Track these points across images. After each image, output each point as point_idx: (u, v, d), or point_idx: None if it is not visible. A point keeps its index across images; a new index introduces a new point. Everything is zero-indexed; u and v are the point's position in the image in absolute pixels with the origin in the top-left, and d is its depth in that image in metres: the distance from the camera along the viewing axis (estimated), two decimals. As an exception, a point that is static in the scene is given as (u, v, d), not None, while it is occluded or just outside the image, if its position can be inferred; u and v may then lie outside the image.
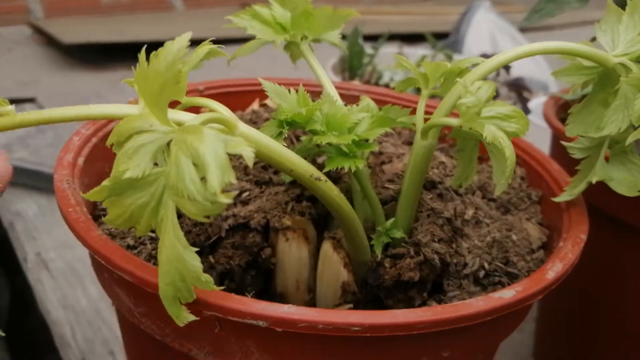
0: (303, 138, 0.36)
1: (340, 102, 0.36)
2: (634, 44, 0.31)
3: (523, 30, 1.27)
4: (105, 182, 0.23)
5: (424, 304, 0.33)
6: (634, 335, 0.49)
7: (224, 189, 0.21)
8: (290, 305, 0.24)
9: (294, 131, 0.42)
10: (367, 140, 0.33)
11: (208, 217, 0.22)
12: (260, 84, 0.52)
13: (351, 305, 0.33)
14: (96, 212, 0.37)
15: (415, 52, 0.85)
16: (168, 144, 0.23)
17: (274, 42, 0.35)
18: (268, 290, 0.37)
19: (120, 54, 1.30)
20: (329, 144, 0.31)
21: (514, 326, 0.31)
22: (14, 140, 0.90)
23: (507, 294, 0.26)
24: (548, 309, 0.60)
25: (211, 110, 0.26)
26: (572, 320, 0.56)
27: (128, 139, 0.23)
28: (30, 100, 1.11)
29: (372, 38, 1.18)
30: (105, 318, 0.64)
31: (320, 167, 0.38)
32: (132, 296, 0.28)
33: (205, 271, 0.34)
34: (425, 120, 0.33)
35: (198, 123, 0.23)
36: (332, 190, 0.29)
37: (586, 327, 0.54)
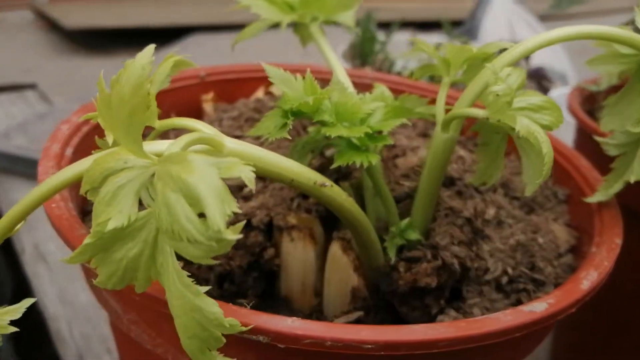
0: (310, 129, 0.33)
1: (352, 89, 0.33)
2: (682, 27, 0.28)
3: (543, 18, 1.23)
4: (86, 240, 0.19)
5: (441, 311, 0.31)
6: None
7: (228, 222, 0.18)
8: (294, 318, 0.22)
9: (300, 121, 0.39)
10: (381, 132, 0.30)
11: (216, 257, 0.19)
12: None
13: (361, 313, 0.30)
14: (87, 208, 0.34)
15: (429, 39, 0.81)
16: (150, 179, 0.20)
17: (280, 23, 0.31)
18: (272, 293, 0.34)
19: (124, 39, 1.27)
20: (339, 136, 0.27)
21: (541, 340, 0.28)
22: (14, 127, 0.88)
23: (538, 307, 0.23)
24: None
25: (191, 131, 0.22)
26: (592, 327, 0.53)
27: (103, 183, 0.19)
28: (31, 86, 1.09)
29: (385, 25, 1.14)
30: (104, 314, 0.62)
31: (329, 160, 0.35)
32: (121, 302, 0.26)
33: (203, 273, 0.32)
34: (446, 110, 0.30)
35: (180, 148, 0.20)
36: (339, 196, 0.26)
37: (607, 334, 0.51)
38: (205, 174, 0.18)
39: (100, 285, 0.19)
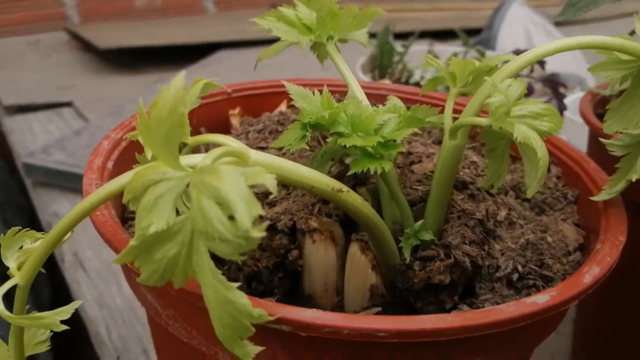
0: (329, 139, 0.36)
1: (366, 102, 0.35)
2: (677, 35, 0.29)
3: (558, 24, 1.23)
4: (131, 242, 0.22)
5: (454, 307, 0.33)
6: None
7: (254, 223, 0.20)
8: (314, 310, 0.24)
9: (320, 132, 0.42)
10: (394, 141, 0.33)
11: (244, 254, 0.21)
12: (287, 85, 0.52)
13: (379, 309, 0.33)
14: (125, 215, 0.37)
15: (446, 49, 0.83)
16: (185, 189, 0.22)
17: (299, 43, 0.34)
18: (296, 292, 0.36)
19: (154, 58, 1.33)
20: (354, 145, 0.30)
21: (549, 331, 0.30)
22: (52, 143, 0.93)
23: (540, 299, 0.25)
24: (587, 310, 0.58)
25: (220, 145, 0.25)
26: (612, 324, 0.53)
27: (143, 193, 0.22)
28: (67, 104, 1.14)
29: (402, 36, 1.16)
30: (140, 316, 0.65)
31: (347, 167, 0.37)
32: (159, 298, 0.29)
33: (233, 273, 0.35)
34: (455, 119, 0.33)
35: (211, 161, 0.22)
36: (355, 200, 0.28)
37: (628, 332, 0.52)
38: (234, 182, 0.20)
39: (143, 282, 0.22)
